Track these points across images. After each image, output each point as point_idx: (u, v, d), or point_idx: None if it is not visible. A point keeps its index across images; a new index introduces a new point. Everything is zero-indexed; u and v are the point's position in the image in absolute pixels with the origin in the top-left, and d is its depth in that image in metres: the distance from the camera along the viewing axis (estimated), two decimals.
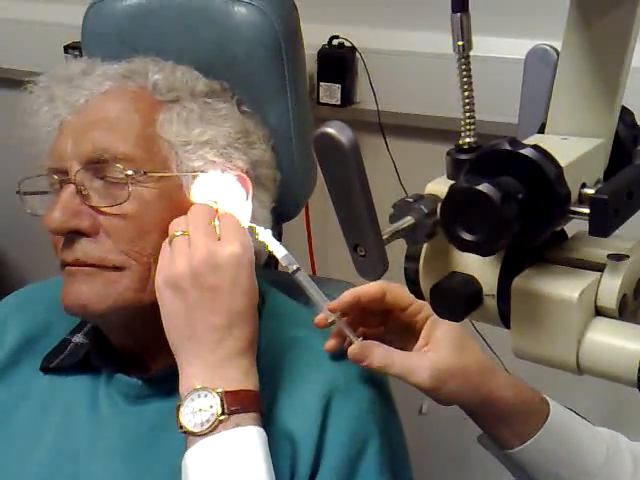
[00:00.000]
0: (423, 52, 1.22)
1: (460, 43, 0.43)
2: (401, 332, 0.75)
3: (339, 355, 0.74)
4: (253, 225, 0.73)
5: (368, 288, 0.73)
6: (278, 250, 0.71)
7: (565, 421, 0.71)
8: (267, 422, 0.67)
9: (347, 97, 1.28)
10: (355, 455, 0.71)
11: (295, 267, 0.71)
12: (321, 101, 1.29)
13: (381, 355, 0.70)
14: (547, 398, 0.71)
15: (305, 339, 0.78)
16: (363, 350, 0.70)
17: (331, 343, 0.74)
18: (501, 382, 0.70)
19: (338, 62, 1.27)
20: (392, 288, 0.72)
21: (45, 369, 0.80)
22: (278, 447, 0.67)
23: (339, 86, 1.27)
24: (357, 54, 1.27)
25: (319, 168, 0.41)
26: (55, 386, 0.79)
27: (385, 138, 1.30)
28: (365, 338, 0.72)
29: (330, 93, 1.29)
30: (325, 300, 0.72)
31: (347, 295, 0.73)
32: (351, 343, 0.71)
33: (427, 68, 1.22)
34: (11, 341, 0.83)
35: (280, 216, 0.88)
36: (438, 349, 0.70)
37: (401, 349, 0.71)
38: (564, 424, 0.71)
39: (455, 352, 0.69)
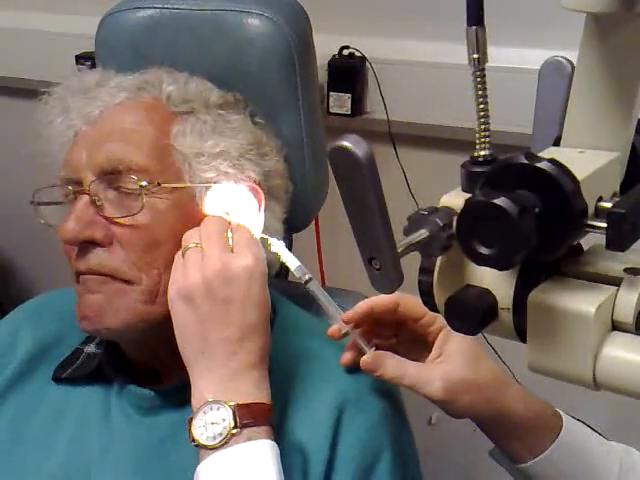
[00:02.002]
0: (433, 62, 1.22)
1: (475, 56, 0.43)
2: (414, 343, 0.74)
3: (351, 366, 0.74)
4: (266, 236, 0.73)
5: (381, 299, 0.73)
6: (291, 261, 0.71)
7: (578, 435, 0.70)
8: (279, 434, 0.67)
9: (357, 107, 1.29)
10: (367, 469, 0.70)
11: (308, 277, 0.71)
12: (331, 111, 1.29)
13: (394, 366, 0.69)
14: (560, 412, 0.71)
15: (317, 350, 0.77)
16: (376, 360, 0.70)
17: (347, 356, 0.74)
18: (514, 395, 0.69)
19: (348, 72, 1.27)
20: (405, 299, 0.72)
21: (57, 379, 0.80)
22: (289, 460, 0.67)
23: (349, 96, 1.28)
24: (367, 64, 1.27)
25: (330, 179, 0.41)
26: (67, 396, 0.79)
27: (395, 147, 1.30)
28: (378, 349, 0.72)
29: (340, 103, 1.29)
30: (339, 311, 0.72)
31: (361, 306, 0.73)
32: (364, 354, 0.71)
33: (437, 78, 1.22)
34: (24, 351, 0.83)
35: (291, 227, 0.87)
36: (451, 361, 0.69)
37: (414, 360, 0.71)
38: (577, 438, 0.70)
39: (468, 364, 0.69)
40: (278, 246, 0.72)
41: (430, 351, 0.72)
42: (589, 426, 0.73)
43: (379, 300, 0.73)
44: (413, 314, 0.73)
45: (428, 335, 0.73)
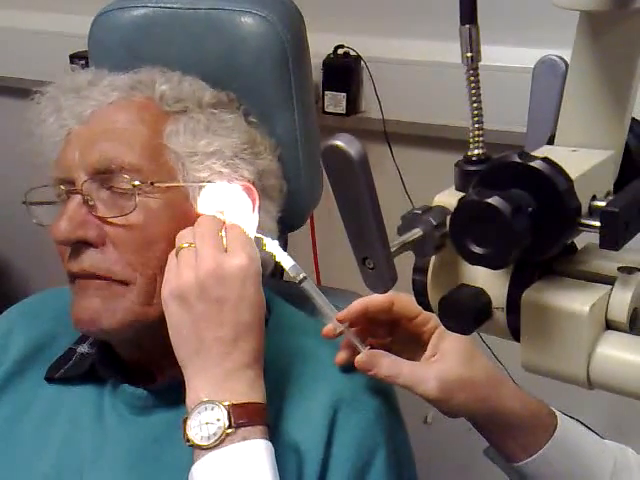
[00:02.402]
0: (428, 61, 1.22)
1: (469, 55, 0.43)
2: (409, 342, 0.74)
3: (346, 366, 0.74)
4: (261, 236, 0.73)
5: (376, 298, 0.72)
6: (286, 260, 0.71)
7: (572, 434, 0.70)
8: (273, 434, 0.67)
9: (352, 106, 1.28)
10: (361, 468, 0.70)
11: (302, 276, 0.71)
12: (326, 110, 1.29)
13: (388, 365, 0.69)
14: (555, 410, 0.71)
15: (311, 349, 0.77)
16: (370, 359, 0.70)
17: (342, 356, 0.74)
18: (509, 394, 0.69)
19: (343, 71, 1.27)
20: (400, 298, 0.72)
21: (50, 379, 0.80)
22: (284, 460, 0.67)
23: (344, 95, 1.28)
24: (362, 63, 1.27)
25: (325, 178, 0.41)
26: (60, 396, 0.79)
27: (390, 146, 1.30)
28: (372, 348, 0.72)
29: (335, 102, 1.29)
30: (333, 310, 0.72)
31: (355, 305, 0.73)
32: (359, 353, 0.71)
33: (432, 77, 1.22)
34: (17, 351, 0.82)
35: (286, 226, 0.87)
36: (446, 360, 0.69)
37: (409, 360, 0.71)
38: (571, 437, 0.70)
39: (463, 363, 0.69)
40: (272, 245, 0.72)
41: (425, 350, 0.72)
42: (584, 424, 0.73)
43: (374, 299, 0.73)
44: (408, 313, 0.73)
45: (423, 334, 0.73)
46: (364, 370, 0.70)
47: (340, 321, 0.72)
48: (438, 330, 0.71)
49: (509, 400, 0.69)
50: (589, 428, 0.73)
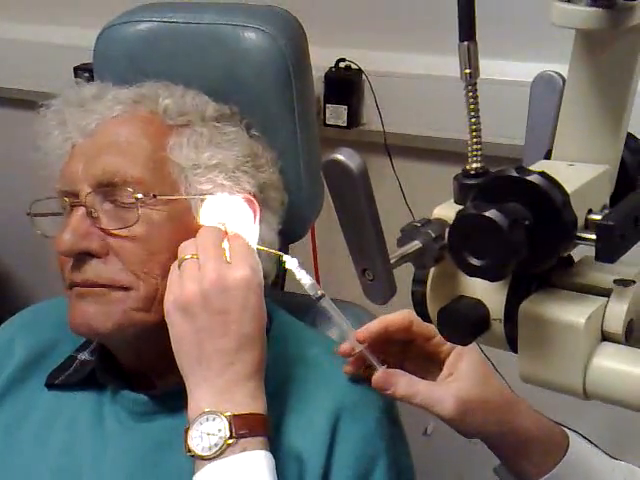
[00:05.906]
0: (428, 74, 1.23)
1: (467, 71, 0.44)
2: (422, 361, 0.74)
3: (347, 374, 0.74)
4: (280, 253, 0.73)
5: (395, 317, 0.72)
6: (305, 279, 0.70)
7: (584, 454, 0.70)
8: (275, 442, 0.67)
9: (353, 119, 1.29)
10: (362, 476, 0.71)
11: (320, 294, 0.70)
12: (327, 122, 1.30)
13: (405, 384, 0.69)
14: (567, 431, 0.71)
15: (312, 358, 0.78)
16: (388, 378, 0.69)
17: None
18: (523, 415, 0.69)
19: (345, 84, 1.28)
20: (419, 318, 0.72)
21: (50, 385, 0.80)
22: (285, 468, 0.67)
23: (345, 108, 1.29)
24: (363, 76, 1.28)
25: (326, 190, 0.42)
26: (60, 402, 0.79)
27: (391, 159, 1.31)
28: (388, 367, 0.71)
29: (336, 115, 1.30)
30: (352, 329, 0.71)
31: (375, 324, 0.72)
32: (369, 367, 0.71)
33: (432, 90, 1.23)
34: (18, 358, 0.83)
35: (287, 237, 0.88)
36: (463, 380, 0.69)
37: (421, 378, 0.71)
38: (583, 457, 0.70)
39: (479, 384, 0.69)
40: (292, 264, 0.71)
41: (439, 369, 0.72)
42: (591, 442, 0.73)
43: (394, 319, 0.72)
44: (426, 333, 0.72)
45: (439, 354, 0.72)
46: (381, 389, 0.70)
47: (360, 341, 0.71)
48: (456, 350, 0.71)
49: (524, 420, 0.69)
50: (597, 447, 0.73)
